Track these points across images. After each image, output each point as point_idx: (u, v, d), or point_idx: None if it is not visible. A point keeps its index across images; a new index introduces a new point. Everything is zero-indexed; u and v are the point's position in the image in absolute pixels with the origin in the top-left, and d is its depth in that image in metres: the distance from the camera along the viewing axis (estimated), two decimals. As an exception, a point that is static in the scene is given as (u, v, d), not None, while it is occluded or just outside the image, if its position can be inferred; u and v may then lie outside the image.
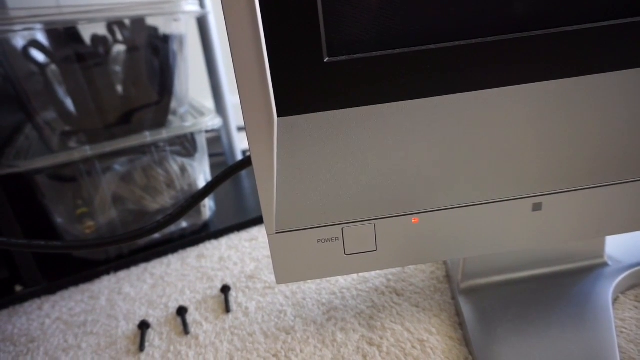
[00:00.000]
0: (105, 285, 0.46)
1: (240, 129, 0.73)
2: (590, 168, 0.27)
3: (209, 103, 0.65)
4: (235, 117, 0.69)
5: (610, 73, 0.24)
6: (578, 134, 0.26)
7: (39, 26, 0.42)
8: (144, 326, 0.38)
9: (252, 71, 0.23)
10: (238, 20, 0.21)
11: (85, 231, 0.48)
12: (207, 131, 0.53)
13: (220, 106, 0.66)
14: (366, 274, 0.42)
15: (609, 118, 0.25)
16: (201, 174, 0.54)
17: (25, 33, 0.42)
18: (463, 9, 0.23)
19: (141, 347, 0.37)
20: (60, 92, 0.45)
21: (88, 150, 0.44)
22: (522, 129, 0.25)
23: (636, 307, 0.34)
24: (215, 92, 0.66)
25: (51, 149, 0.46)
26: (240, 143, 0.73)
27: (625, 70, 0.24)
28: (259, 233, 0.52)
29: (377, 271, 0.42)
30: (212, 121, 0.51)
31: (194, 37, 0.63)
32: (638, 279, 0.36)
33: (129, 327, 0.40)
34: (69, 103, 0.46)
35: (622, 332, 0.32)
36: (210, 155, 0.73)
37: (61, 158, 0.44)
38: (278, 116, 0.24)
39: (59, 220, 0.48)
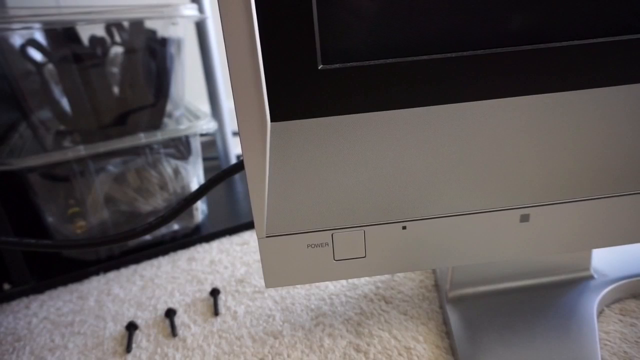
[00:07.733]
0: (95, 285, 0.46)
1: (235, 133, 0.74)
2: (578, 181, 0.27)
3: (205, 107, 0.66)
4: (231, 121, 0.69)
5: (598, 89, 0.25)
6: (566, 147, 0.26)
7: (37, 25, 0.42)
8: (131, 327, 0.38)
9: (247, 76, 0.23)
10: (235, 25, 0.22)
11: (76, 231, 0.48)
12: (202, 135, 0.53)
13: (216, 110, 0.67)
14: (356, 281, 0.42)
15: (597, 133, 0.26)
16: (194, 177, 0.54)
17: (24, 32, 0.43)
18: (457, 21, 0.23)
19: (128, 349, 0.36)
20: (56, 91, 0.45)
21: (82, 150, 0.44)
22: (512, 141, 0.26)
23: (620, 321, 0.34)
24: (212, 96, 0.66)
25: (45, 148, 0.46)
26: (235, 148, 0.73)
27: (613, 87, 0.25)
28: (250, 237, 0.53)
29: (367, 278, 0.42)
30: (207, 125, 0.51)
31: (193, 41, 0.63)
32: (623, 292, 0.36)
33: (117, 328, 0.39)
34: (65, 103, 0.46)
35: (605, 344, 0.32)
36: (205, 159, 0.73)
37: (54, 157, 0.44)
38: (271, 121, 0.24)
39: (50, 219, 0.48)
